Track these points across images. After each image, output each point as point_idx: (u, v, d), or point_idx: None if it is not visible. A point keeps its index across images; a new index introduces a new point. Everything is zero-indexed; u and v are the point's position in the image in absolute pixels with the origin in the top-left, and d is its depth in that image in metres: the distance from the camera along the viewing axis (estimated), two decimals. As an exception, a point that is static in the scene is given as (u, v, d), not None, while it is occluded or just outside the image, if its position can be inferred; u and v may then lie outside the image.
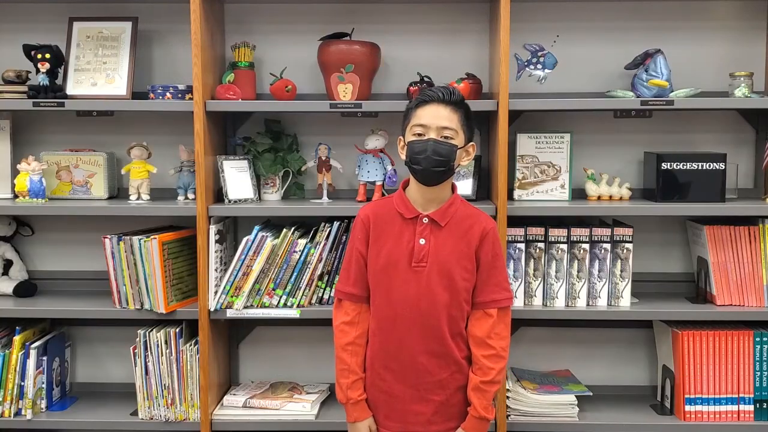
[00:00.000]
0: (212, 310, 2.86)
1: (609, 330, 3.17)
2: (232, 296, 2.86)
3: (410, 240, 2.41)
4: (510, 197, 2.93)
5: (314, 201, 3.02)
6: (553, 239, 2.89)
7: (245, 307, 2.87)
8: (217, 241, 2.86)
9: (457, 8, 3.08)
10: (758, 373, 2.89)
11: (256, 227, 2.86)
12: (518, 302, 2.89)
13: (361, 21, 3.04)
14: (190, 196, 2.97)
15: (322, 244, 2.87)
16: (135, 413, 2.95)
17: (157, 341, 2.88)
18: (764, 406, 2.89)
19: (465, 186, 2.98)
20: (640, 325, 3.14)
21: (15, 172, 2.97)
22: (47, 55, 2.88)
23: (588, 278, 2.90)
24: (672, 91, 2.87)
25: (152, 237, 2.83)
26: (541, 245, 2.90)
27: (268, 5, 3.09)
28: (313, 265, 2.86)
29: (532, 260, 2.90)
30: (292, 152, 3.05)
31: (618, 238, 2.89)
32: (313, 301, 2.91)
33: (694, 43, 3.07)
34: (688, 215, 3.05)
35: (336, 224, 2.88)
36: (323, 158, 3.01)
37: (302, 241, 2.86)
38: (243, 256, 2.84)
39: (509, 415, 2.87)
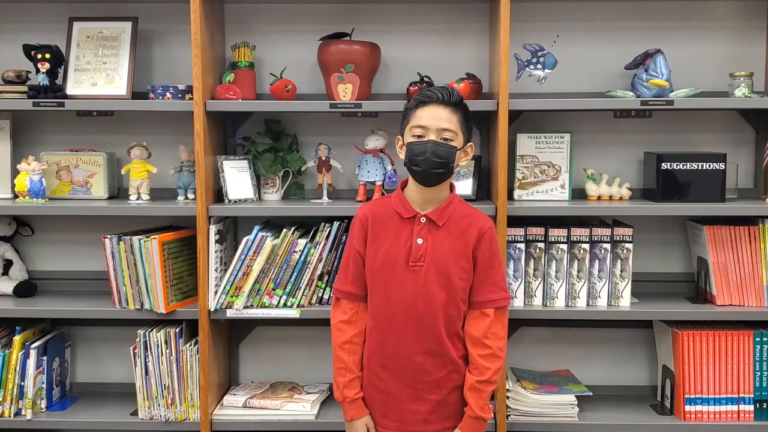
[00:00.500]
0: (212, 310, 2.86)
1: (609, 330, 3.17)
2: (232, 296, 2.86)
3: (408, 239, 2.41)
4: (510, 197, 2.93)
5: (314, 201, 3.02)
6: (553, 239, 2.89)
7: (245, 307, 2.87)
8: (217, 241, 2.86)
9: (457, 8, 3.08)
10: (758, 373, 2.89)
11: (256, 227, 2.86)
12: (518, 302, 2.89)
13: (361, 21, 3.04)
14: (190, 196, 2.97)
15: (322, 244, 2.87)
16: (135, 413, 2.95)
17: (157, 341, 2.88)
18: (764, 406, 2.89)
19: (465, 186, 2.98)
20: (640, 325, 3.14)
21: (15, 172, 2.97)
22: (47, 55, 2.88)
23: (588, 278, 2.90)
24: (672, 91, 2.86)
25: (152, 237, 2.83)
26: (541, 245, 2.90)
27: (268, 5, 3.09)
28: (313, 265, 2.86)
29: (532, 260, 2.90)
30: (292, 152, 3.05)
31: (618, 238, 2.89)
32: (313, 301, 2.91)
33: (694, 43, 3.07)
34: (688, 215, 3.04)
35: (336, 224, 2.88)
36: (323, 158, 3.01)
37: (302, 241, 2.86)
38: (243, 256, 2.84)
39: (509, 415, 2.87)
